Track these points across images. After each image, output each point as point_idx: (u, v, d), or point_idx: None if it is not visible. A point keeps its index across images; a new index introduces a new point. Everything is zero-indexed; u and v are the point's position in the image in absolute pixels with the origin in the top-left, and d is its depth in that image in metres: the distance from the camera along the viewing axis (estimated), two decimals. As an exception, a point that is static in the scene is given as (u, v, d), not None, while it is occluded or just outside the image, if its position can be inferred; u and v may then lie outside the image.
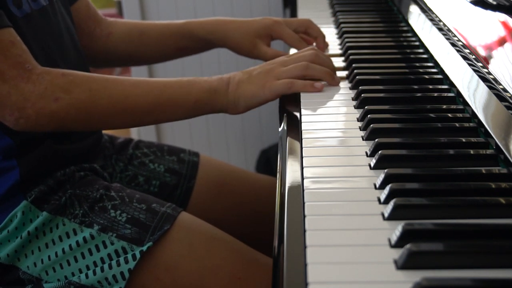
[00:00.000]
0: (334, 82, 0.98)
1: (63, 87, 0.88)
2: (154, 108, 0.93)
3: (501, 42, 0.85)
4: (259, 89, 0.95)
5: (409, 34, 1.20)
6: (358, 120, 0.85)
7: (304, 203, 0.65)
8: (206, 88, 0.94)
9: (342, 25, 1.27)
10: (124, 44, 1.19)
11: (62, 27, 1.03)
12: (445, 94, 0.90)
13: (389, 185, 0.65)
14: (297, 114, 0.88)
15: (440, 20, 1.06)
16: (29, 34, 0.95)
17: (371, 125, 0.80)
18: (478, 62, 0.84)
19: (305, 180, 0.69)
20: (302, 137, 0.80)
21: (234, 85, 0.95)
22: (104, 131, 1.16)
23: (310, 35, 1.16)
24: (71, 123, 0.91)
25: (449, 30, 1.00)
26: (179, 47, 1.19)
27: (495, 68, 0.81)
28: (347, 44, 1.14)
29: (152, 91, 0.93)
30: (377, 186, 0.67)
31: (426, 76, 0.97)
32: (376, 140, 0.75)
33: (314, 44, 1.15)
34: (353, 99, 0.93)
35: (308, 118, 0.86)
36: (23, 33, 0.93)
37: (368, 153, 0.75)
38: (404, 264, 0.54)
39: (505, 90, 0.74)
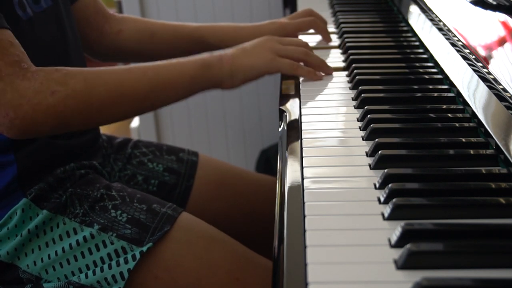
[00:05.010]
0: (329, 71, 1.02)
1: (58, 80, 0.87)
2: (150, 91, 0.93)
3: (501, 42, 0.85)
4: (259, 60, 0.96)
5: (409, 34, 1.20)
6: (358, 120, 0.85)
7: (304, 203, 0.65)
8: (199, 64, 0.95)
9: (342, 25, 1.27)
10: (134, 43, 1.20)
11: (66, 26, 1.03)
12: (445, 94, 0.90)
13: (389, 185, 0.65)
14: (297, 114, 0.88)
15: (440, 20, 1.06)
16: (32, 37, 0.95)
17: (371, 125, 0.80)
18: (478, 62, 0.84)
19: (305, 180, 0.69)
20: (302, 137, 0.80)
21: (229, 58, 0.96)
22: (102, 132, 1.16)
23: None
24: (70, 117, 0.89)
25: (449, 30, 1.00)
26: (189, 50, 1.19)
27: (495, 68, 0.81)
28: (347, 44, 1.14)
29: (145, 74, 0.93)
30: (377, 186, 0.67)
31: (426, 76, 0.97)
32: (376, 140, 0.75)
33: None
34: (353, 99, 0.93)
35: (308, 118, 0.86)
36: (26, 35, 0.93)
37: (368, 153, 0.75)
38: (404, 264, 0.54)
39: (505, 90, 0.74)
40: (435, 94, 0.91)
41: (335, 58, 1.11)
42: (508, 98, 0.72)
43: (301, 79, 1.00)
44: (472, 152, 0.73)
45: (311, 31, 1.21)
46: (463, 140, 0.76)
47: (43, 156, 0.97)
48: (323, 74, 1.01)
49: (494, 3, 0.92)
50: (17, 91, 0.85)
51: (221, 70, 0.96)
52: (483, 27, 0.92)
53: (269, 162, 1.91)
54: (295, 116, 0.88)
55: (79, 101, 0.88)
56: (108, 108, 0.91)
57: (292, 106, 0.92)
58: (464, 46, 0.91)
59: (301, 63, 1.00)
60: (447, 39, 0.98)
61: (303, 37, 1.18)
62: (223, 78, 0.96)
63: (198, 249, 0.93)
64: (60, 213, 0.94)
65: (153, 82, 0.93)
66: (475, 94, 0.81)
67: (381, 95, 0.92)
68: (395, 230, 0.58)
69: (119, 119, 0.95)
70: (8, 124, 0.86)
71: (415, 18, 1.19)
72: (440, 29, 1.03)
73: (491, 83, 0.78)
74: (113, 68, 0.93)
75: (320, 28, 1.19)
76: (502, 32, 0.87)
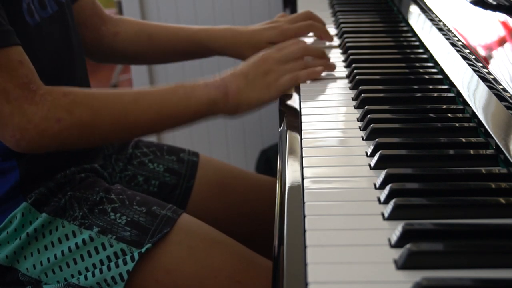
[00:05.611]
0: (331, 69, 1.03)
1: (65, 107, 0.87)
2: (154, 124, 0.93)
3: (501, 42, 0.85)
4: (263, 92, 0.96)
5: (409, 34, 1.20)
6: (358, 120, 0.85)
7: (304, 203, 0.65)
8: (205, 100, 0.94)
9: (342, 25, 1.27)
10: (132, 45, 1.20)
11: (71, 30, 1.03)
12: (445, 94, 0.90)
13: (389, 185, 0.65)
14: (297, 114, 0.88)
15: (440, 20, 1.06)
16: (40, 43, 0.95)
17: (371, 125, 0.80)
18: (478, 62, 0.84)
19: (305, 180, 0.69)
20: (302, 137, 0.80)
21: (234, 93, 0.94)
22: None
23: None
24: (73, 142, 0.90)
25: (449, 30, 1.00)
26: (187, 53, 1.20)
27: (495, 68, 0.80)
28: (347, 44, 1.14)
29: (151, 107, 0.92)
30: (377, 186, 0.67)
31: (426, 76, 0.97)
32: (376, 140, 0.75)
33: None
34: (353, 99, 0.93)
35: (308, 118, 0.86)
36: (34, 42, 0.92)
37: (368, 153, 0.75)
38: (404, 264, 0.54)
39: (505, 90, 0.74)
40: (435, 94, 0.91)
41: (335, 59, 1.11)
42: (508, 98, 0.72)
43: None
44: (472, 152, 0.73)
45: (310, 34, 1.21)
46: (463, 140, 0.76)
47: (45, 162, 0.97)
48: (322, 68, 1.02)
49: (494, 3, 0.92)
50: (24, 116, 0.86)
51: (226, 105, 0.95)
52: (483, 27, 0.92)
53: (269, 162, 1.91)
54: (295, 116, 0.88)
55: (83, 131, 0.89)
56: (110, 136, 0.93)
57: (292, 107, 0.92)
58: (464, 46, 0.91)
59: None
60: (447, 39, 0.98)
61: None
62: (229, 111, 0.96)
63: (199, 252, 0.93)
64: (59, 216, 0.94)
65: (157, 116, 0.93)
66: (475, 94, 0.81)
67: (381, 95, 0.92)
68: (395, 230, 0.58)
69: (118, 142, 0.98)
70: (14, 143, 0.87)
71: (415, 18, 1.19)
72: (440, 29, 1.03)
73: (491, 83, 0.78)
74: (119, 95, 0.93)
75: (320, 30, 1.19)
76: (502, 32, 0.87)
